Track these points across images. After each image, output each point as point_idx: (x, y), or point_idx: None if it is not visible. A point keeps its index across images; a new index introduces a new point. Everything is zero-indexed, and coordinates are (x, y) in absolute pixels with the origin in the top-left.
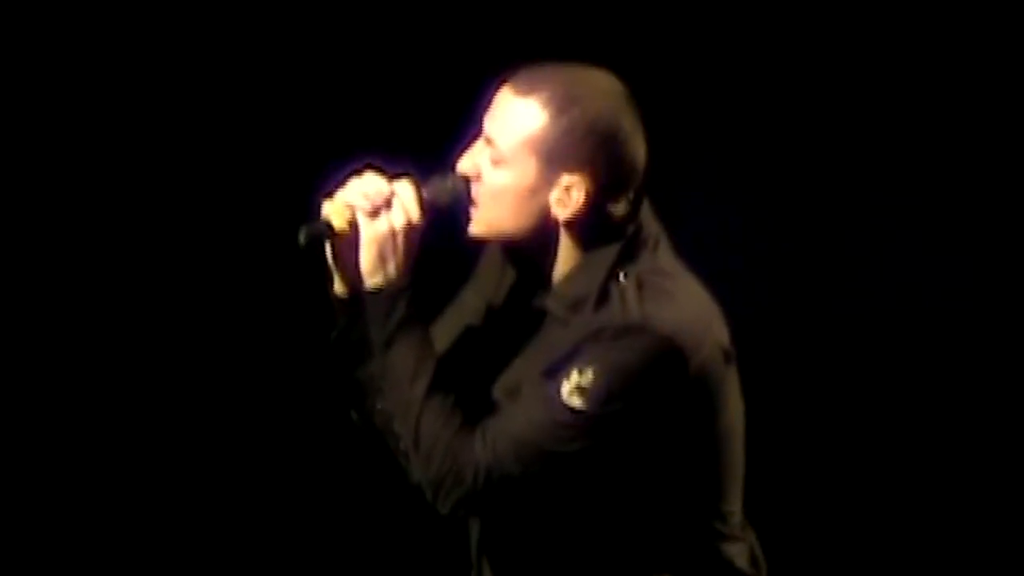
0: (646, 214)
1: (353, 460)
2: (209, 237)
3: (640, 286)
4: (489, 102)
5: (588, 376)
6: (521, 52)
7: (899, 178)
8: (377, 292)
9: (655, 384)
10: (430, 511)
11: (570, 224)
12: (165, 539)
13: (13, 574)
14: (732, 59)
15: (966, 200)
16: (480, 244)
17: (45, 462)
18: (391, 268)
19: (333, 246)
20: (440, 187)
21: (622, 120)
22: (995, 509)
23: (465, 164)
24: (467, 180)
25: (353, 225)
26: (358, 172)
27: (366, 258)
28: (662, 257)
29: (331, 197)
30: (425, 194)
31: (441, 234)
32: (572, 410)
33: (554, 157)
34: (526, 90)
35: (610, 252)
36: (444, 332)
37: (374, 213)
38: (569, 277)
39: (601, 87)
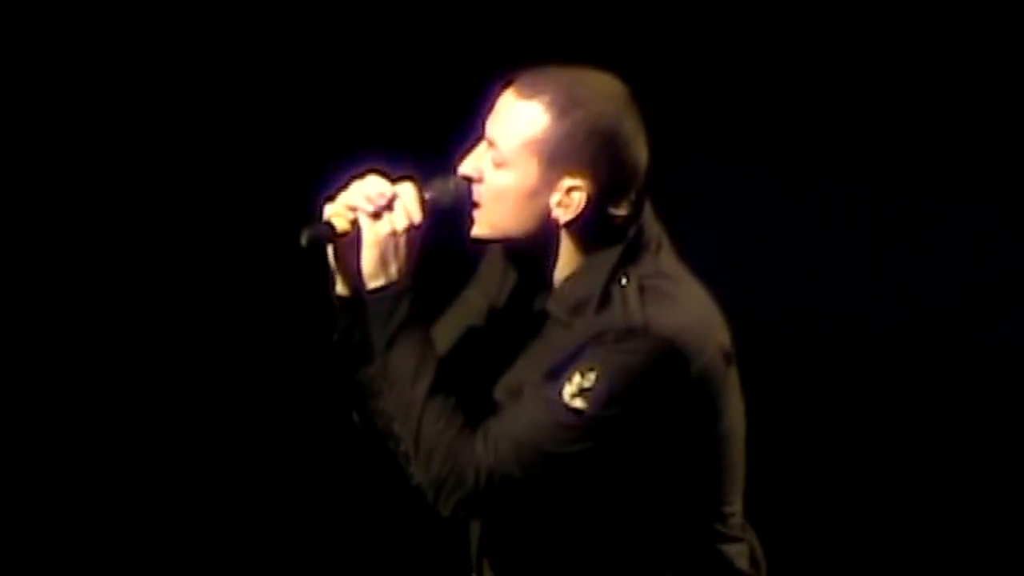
0: (648, 216)
1: (354, 461)
2: (211, 239)
3: (642, 289)
4: (491, 104)
5: (590, 378)
6: (523, 54)
7: (899, 178)
8: (379, 293)
9: (657, 387)
10: (431, 512)
11: (572, 226)
12: (165, 539)
13: (13, 574)
14: (733, 60)
15: (966, 200)
16: (482, 246)
17: (45, 462)
18: (393, 270)
19: (335, 248)
20: (442, 189)
21: (624, 123)
22: (995, 509)
23: (467, 166)
24: (469, 182)
25: (355, 227)
26: (360, 174)
27: (368, 260)
28: (664, 259)
29: (333, 199)
30: (427, 196)
31: (443, 236)
32: (574, 412)
33: (556, 159)
34: (528, 93)
35: (612, 254)
36: (446, 334)
37: (376, 215)
38: (571, 279)
39: (603, 90)
